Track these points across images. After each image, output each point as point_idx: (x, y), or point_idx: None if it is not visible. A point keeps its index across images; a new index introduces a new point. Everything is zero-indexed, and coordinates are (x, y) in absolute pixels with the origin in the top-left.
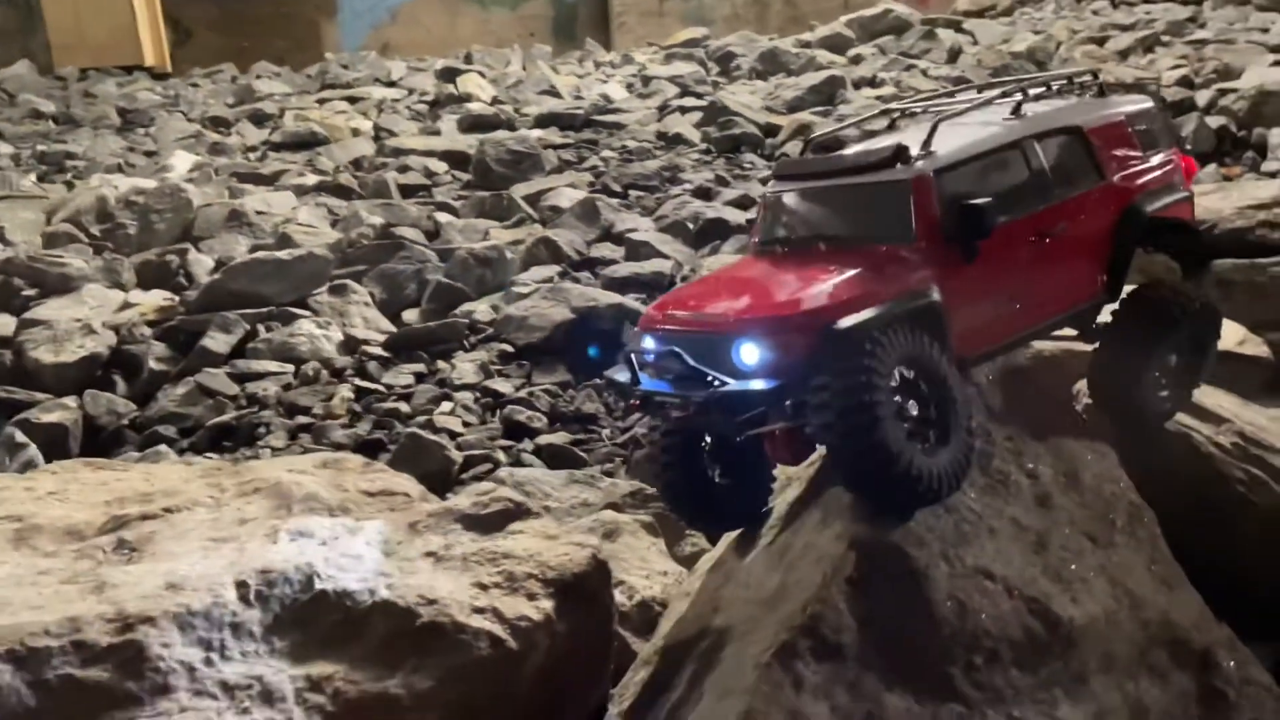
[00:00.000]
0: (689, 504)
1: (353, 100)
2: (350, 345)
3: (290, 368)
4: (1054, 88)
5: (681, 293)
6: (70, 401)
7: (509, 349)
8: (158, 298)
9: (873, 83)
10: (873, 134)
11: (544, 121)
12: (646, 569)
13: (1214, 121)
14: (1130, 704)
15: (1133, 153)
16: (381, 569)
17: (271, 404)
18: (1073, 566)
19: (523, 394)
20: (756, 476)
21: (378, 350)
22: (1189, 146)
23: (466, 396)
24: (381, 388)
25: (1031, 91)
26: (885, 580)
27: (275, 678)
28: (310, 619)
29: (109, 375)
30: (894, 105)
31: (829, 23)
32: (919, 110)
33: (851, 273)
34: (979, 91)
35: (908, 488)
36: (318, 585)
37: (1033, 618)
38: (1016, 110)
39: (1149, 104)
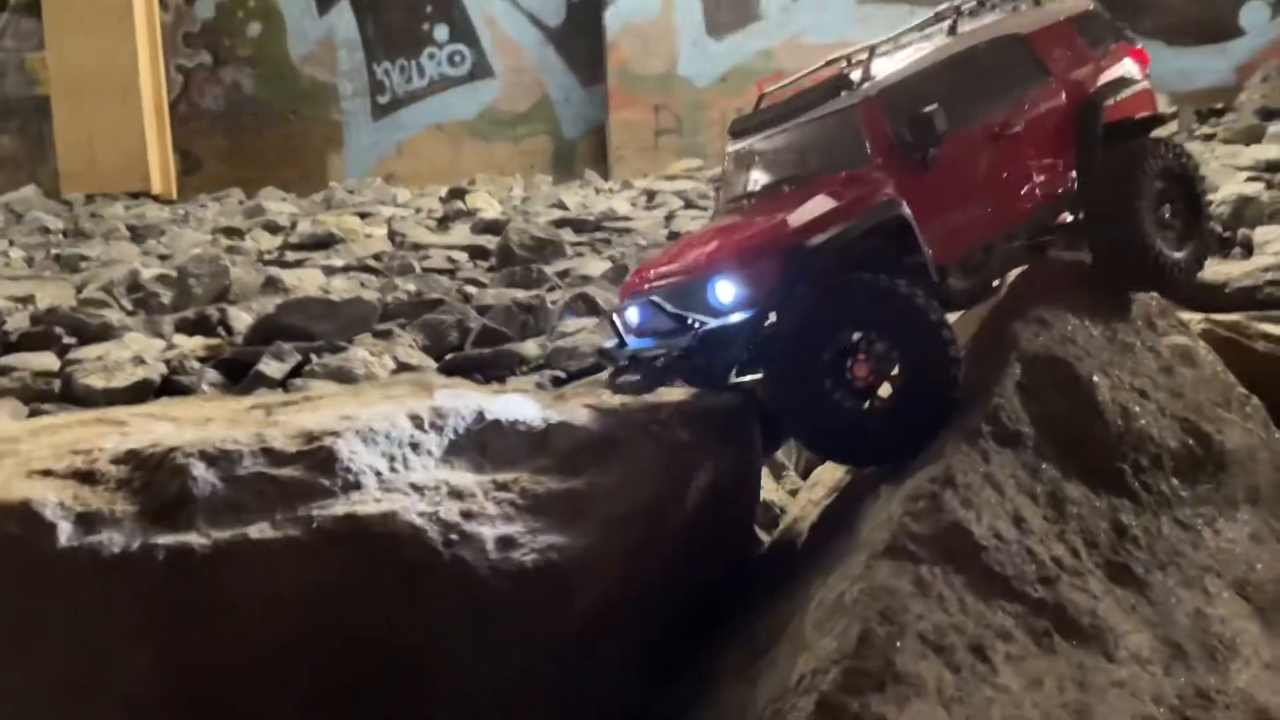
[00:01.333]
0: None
1: (363, 215)
2: (404, 369)
3: (348, 387)
4: (989, 4)
5: (655, 257)
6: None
7: (561, 375)
8: (203, 340)
9: None
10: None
11: (557, 225)
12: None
13: None
14: (1277, 536)
15: (1079, 52)
16: (545, 411)
17: None
18: (1207, 412)
19: None
20: None
21: (433, 373)
22: (1136, 41)
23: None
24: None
25: (966, 9)
26: (1053, 385)
27: (462, 481)
28: (488, 442)
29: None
30: (839, 55)
31: None
32: (864, 56)
33: (814, 200)
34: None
35: (856, 440)
36: (489, 417)
37: (1186, 435)
38: (953, 30)
39: (1089, 5)
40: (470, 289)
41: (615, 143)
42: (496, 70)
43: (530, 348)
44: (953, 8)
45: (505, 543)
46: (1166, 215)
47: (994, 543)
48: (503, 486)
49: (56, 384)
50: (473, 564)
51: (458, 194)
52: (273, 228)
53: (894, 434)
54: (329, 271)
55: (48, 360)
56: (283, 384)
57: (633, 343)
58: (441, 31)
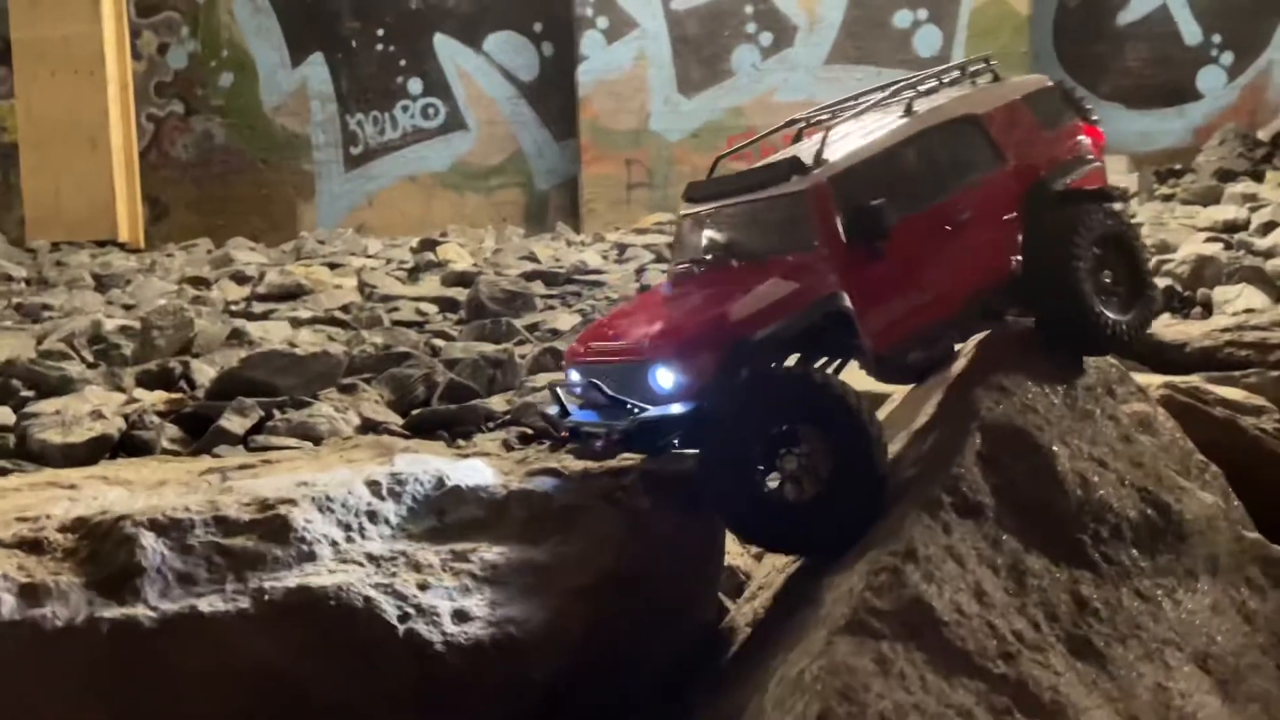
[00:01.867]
0: None
1: (332, 266)
2: (369, 426)
3: (309, 444)
4: (946, 80)
5: (601, 324)
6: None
7: (528, 431)
8: (164, 394)
9: None
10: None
11: (528, 278)
12: (726, 547)
13: (1161, 283)
14: (1237, 606)
15: (1033, 132)
16: (506, 477)
17: None
18: (1167, 481)
19: None
20: None
21: (398, 429)
22: (1095, 118)
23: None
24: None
25: (926, 86)
26: (1013, 455)
27: (419, 551)
28: (447, 509)
29: (116, 458)
30: (799, 116)
31: None
32: (825, 118)
33: (758, 288)
34: (880, 92)
35: (786, 530)
36: (449, 483)
37: (1146, 505)
38: (909, 108)
39: (1047, 83)
40: (439, 342)
41: (587, 196)
42: (470, 123)
43: (497, 403)
44: (909, 84)
45: (461, 616)
46: (1108, 279)
47: (955, 617)
48: (461, 557)
49: (11, 439)
50: (427, 638)
51: (429, 245)
52: (240, 278)
53: (823, 524)
54: (296, 323)
55: (3, 414)
56: (244, 440)
57: (575, 413)
58: (415, 85)
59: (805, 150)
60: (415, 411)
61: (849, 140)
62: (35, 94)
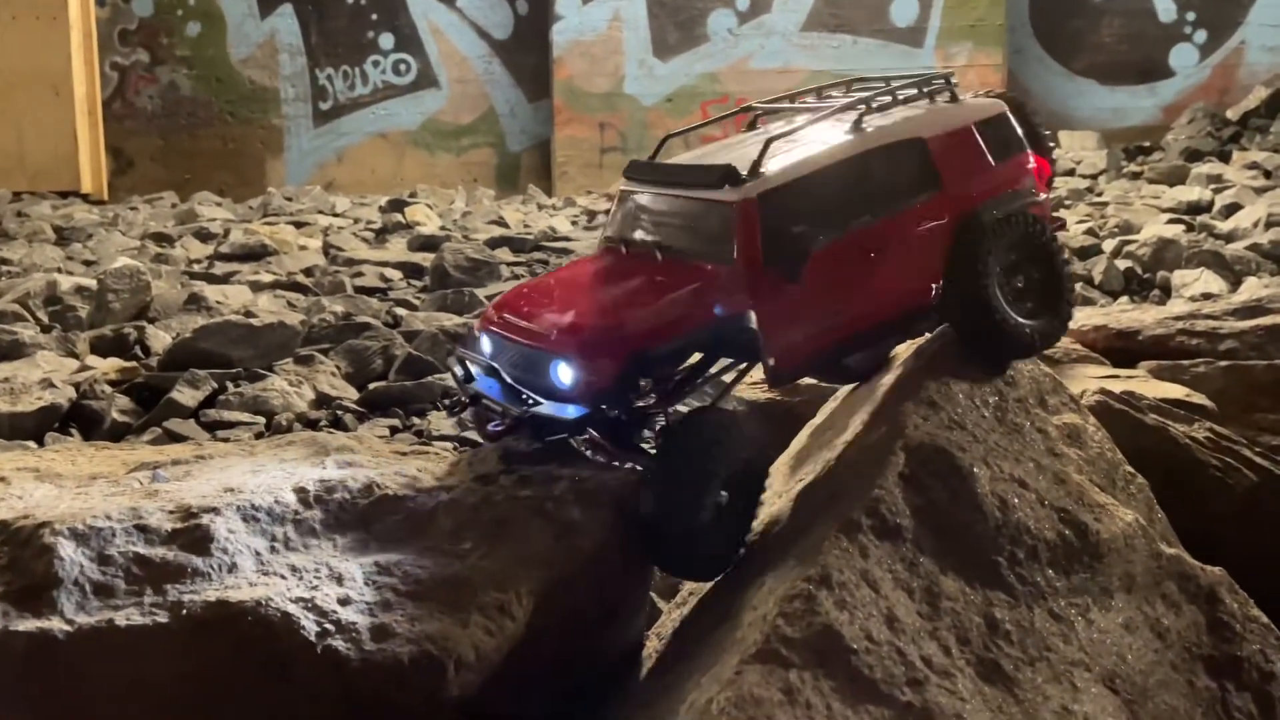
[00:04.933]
0: None
1: (298, 225)
2: (323, 401)
3: (262, 419)
4: (900, 97)
5: (521, 292)
6: (30, 444)
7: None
8: (117, 362)
9: None
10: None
11: (494, 244)
12: None
13: (1121, 264)
14: (1151, 623)
15: (978, 160)
16: (438, 483)
17: None
18: (1088, 499)
19: None
20: None
21: (352, 405)
22: (1051, 145)
23: (445, 447)
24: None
25: (876, 105)
26: (934, 477)
27: (343, 565)
28: (375, 518)
29: (66, 429)
30: (756, 103)
31: None
32: (784, 107)
33: (670, 295)
34: (843, 91)
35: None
36: (378, 491)
37: (1063, 525)
38: (858, 124)
39: (1001, 109)
40: (401, 311)
41: (560, 158)
42: (441, 81)
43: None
44: (862, 100)
45: (381, 632)
46: (1020, 284)
47: (865, 645)
48: (385, 570)
49: None
50: (345, 654)
51: (398, 206)
52: (204, 235)
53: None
54: (256, 287)
55: None
56: (195, 414)
57: (479, 381)
58: (386, 40)
59: (744, 154)
60: (371, 386)
61: (790, 150)
62: None
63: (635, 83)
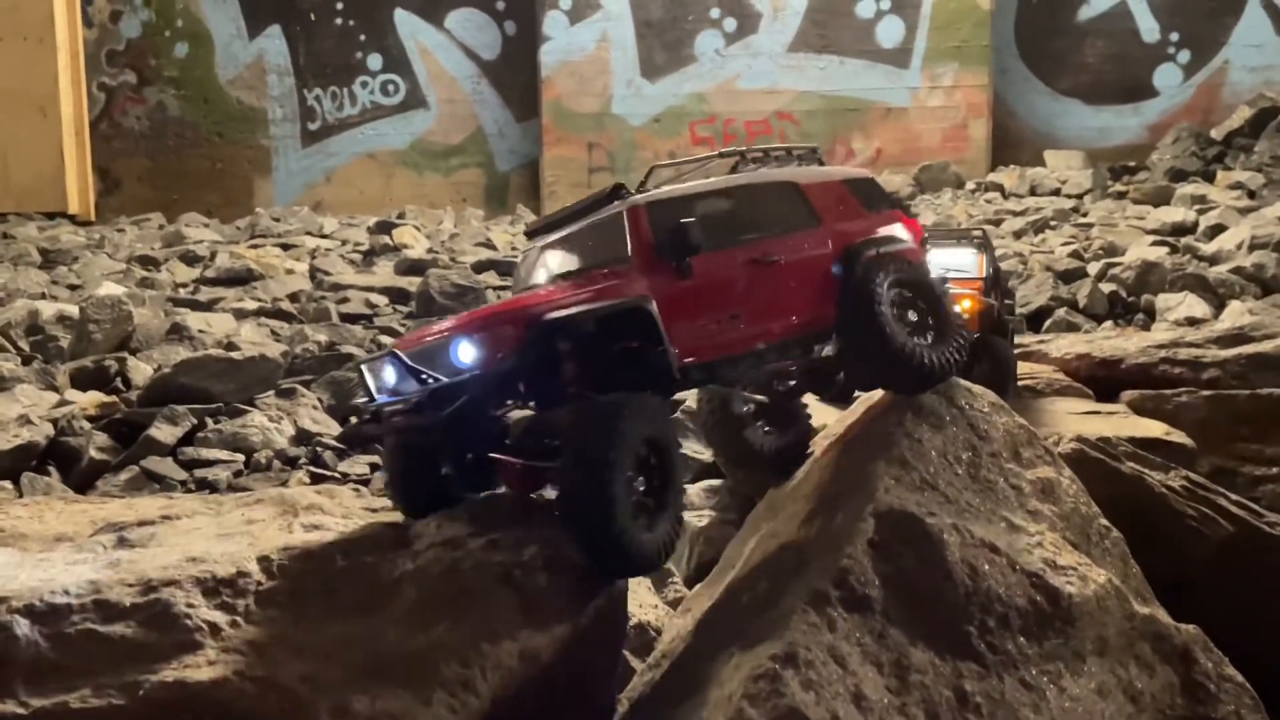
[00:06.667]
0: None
1: (285, 247)
2: (303, 437)
3: (241, 457)
4: (773, 156)
5: (428, 326)
6: (6, 484)
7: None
8: (97, 396)
9: None
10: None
11: (480, 268)
12: (638, 600)
13: (1106, 288)
14: (1124, 687)
15: (852, 208)
16: (402, 551)
17: (223, 489)
18: (1061, 560)
19: None
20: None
21: (331, 442)
22: (915, 213)
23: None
24: (337, 475)
25: (751, 155)
26: (903, 544)
27: (305, 637)
28: (339, 588)
29: (43, 467)
30: (659, 164)
31: None
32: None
33: (570, 286)
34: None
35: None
36: (341, 562)
37: (1035, 590)
38: (734, 169)
39: (867, 174)
40: (385, 338)
41: (548, 178)
42: (430, 101)
43: None
44: (737, 152)
45: (341, 713)
46: (914, 318)
47: None
48: (348, 644)
49: None
50: None
51: (385, 227)
52: (190, 259)
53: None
54: (240, 315)
55: None
56: (174, 451)
57: (378, 397)
58: (375, 60)
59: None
60: (353, 419)
61: (673, 185)
62: None
63: (623, 103)
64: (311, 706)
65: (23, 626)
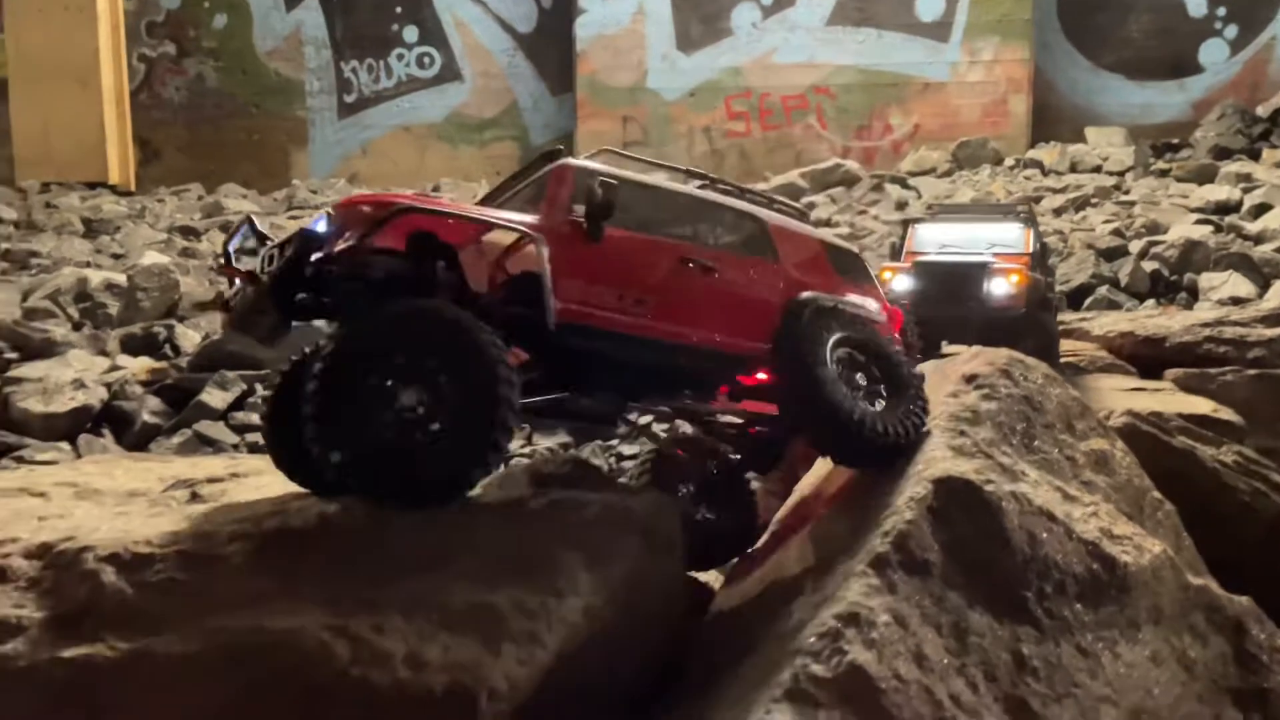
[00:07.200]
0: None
1: None
2: None
3: None
4: (751, 197)
5: None
6: (64, 445)
7: None
8: (148, 362)
9: (828, 223)
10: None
11: None
12: None
13: (1148, 266)
14: (1177, 655)
15: (820, 264)
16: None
17: None
18: (1117, 530)
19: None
20: None
21: None
22: (905, 305)
23: None
24: None
25: (722, 187)
26: (962, 510)
27: (376, 592)
28: (402, 544)
29: (98, 429)
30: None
31: (781, 174)
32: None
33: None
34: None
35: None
36: (402, 520)
37: (1092, 559)
38: (704, 186)
39: (853, 248)
40: None
41: (582, 152)
42: (465, 74)
43: None
44: (710, 181)
45: (414, 662)
46: (863, 381)
47: (893, 684)
48: (418, 599)
49: None
50: (377, 683)
51: None
52: (230, 228)
53: (442, 468)
54: None
55: None
56: (225, 415)
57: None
58: (411, 33)
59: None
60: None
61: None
62: (24, 29)
63: (658, 77)
64: (386, 655)
65: (109, 574)
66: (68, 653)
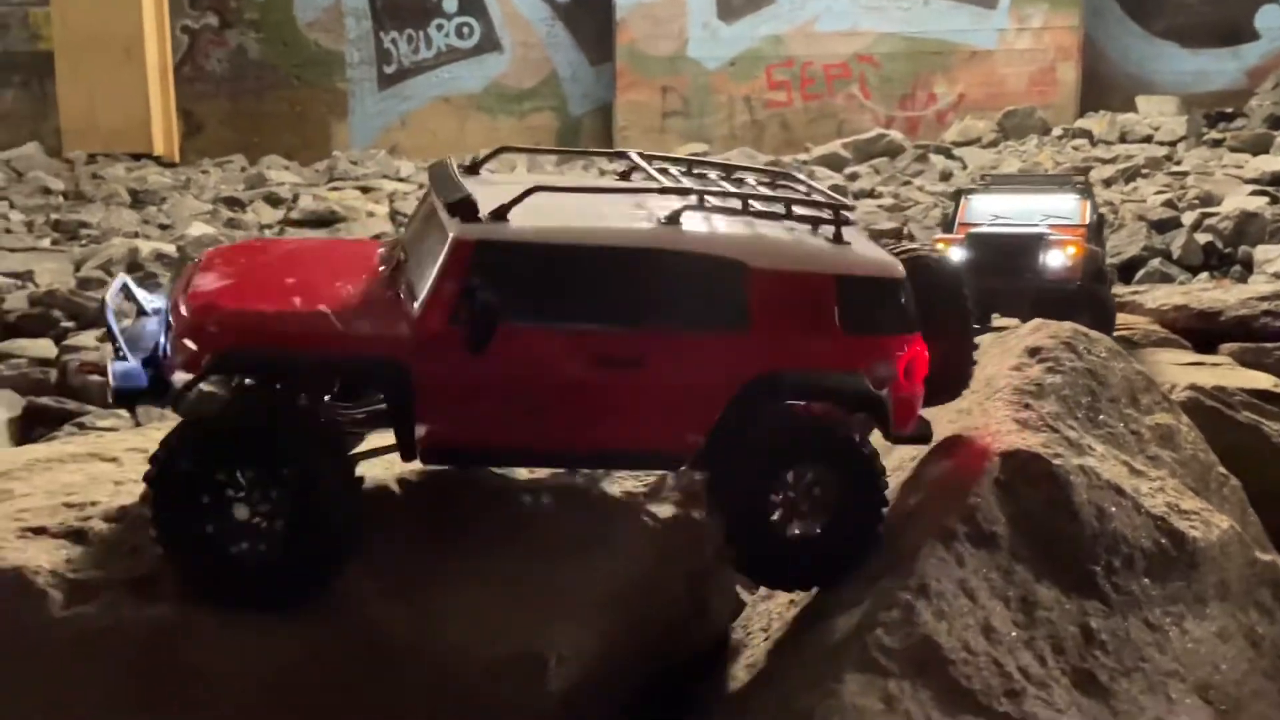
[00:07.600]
0: None
1: (364, 190)
2: None
3: None
4: (794, 211)
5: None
6: (123, 412)
7: None
8: None
9: (872, 194)
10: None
11: None
12: None
13: (1201, 239)
14: (1245, 631)
15: (821, 319)
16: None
17: None
18: (1185, 505)
19: None
20: None
21: None
22: (977, 331)
23: None
24: None
25: (765, 205)
26: (1030, 484)
27: (444, 564)
28: (475, 518)
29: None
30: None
31: (823, 145)
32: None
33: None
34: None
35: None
36: (477, 491)
37: (1160, 534)
38: (674, 217)
39: (894, 274)
40: None
41: (621, 123)
42: (504, 44)
43: None
44: (704, 191)
45: (483, 628)
46: (818, 493)
47: (963, 655)
48: (486, 569)
49: (53, 373)
50: (448, 648)
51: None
52: (274, 200)
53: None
54: None
55: (45, 347)
56: None
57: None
58: (450, 3)
59: (503, 192)
60: None
61: (566, 210)
62: (70, 3)
63: (699, 46)
64: (454, 622)
65: None
66: (145, 611)
